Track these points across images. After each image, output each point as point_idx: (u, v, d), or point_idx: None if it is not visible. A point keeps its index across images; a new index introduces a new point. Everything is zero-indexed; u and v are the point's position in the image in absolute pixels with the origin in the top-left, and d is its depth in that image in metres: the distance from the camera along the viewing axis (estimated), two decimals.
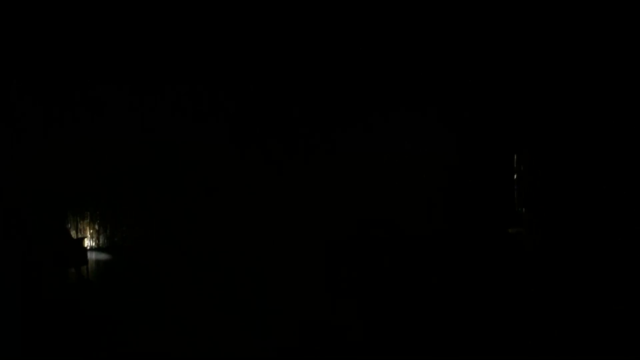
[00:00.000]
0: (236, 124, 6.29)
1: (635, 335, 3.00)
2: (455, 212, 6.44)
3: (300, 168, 6.30)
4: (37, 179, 5.86)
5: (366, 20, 5.91)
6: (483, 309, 3.69)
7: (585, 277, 4.62)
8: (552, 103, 6.18)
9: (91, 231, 6.40)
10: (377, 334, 3.14)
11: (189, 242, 6.18)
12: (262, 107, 6.31)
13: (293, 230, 6.14)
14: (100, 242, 6.42)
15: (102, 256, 6.06)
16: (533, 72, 6.17)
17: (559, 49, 5.96)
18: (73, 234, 6.16)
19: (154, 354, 2.80)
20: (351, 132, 6.33)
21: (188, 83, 6.21)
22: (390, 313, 3.64)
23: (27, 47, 5.61)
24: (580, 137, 6.05)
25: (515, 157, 6.60)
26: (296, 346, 2.89)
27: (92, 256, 5.80)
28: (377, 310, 3.72)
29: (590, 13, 5.60)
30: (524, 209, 6.71)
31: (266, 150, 6.28)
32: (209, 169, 6.28)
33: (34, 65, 5.82)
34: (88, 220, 6.39)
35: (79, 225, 6.35)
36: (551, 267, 5.24)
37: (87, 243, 6.21)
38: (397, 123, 6.41)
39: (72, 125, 6.18)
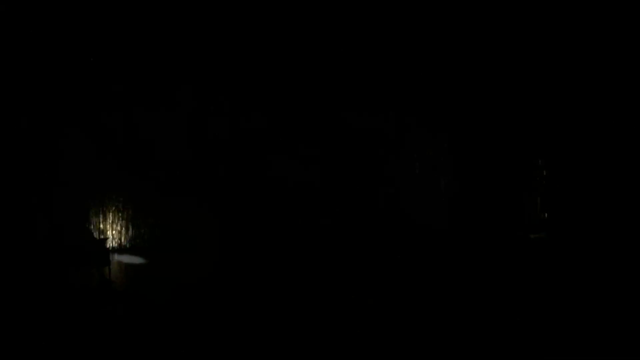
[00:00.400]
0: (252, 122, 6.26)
1: None
2: (478, 217, 6.37)
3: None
4: (58, 180, 5.95)
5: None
6: (501, 313, 3.64)
7: (607, 284, 4.51)
8: (578, 109, 6.06)
9: (113, 232, 6.49)
10: (389, 336, 3.11)
11: (209, 243, 6.21)
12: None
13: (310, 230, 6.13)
14: (122, 243, 6.50)
15: (124, 257, 6.13)
16: (561, 77, 6.06)
17: (586, 52, 5.85)
18: (95, 234, 6.25)
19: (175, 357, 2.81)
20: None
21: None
22: (410, 318, 3.60)
23: (58, 44, 5.68)
24: (604, 143, 5.92)
25: (538, 162, 6.51)
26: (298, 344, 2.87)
27: (113, 257, 5.87)
28: (396, 314, 3.69)
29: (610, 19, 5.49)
30: (546, 215, 6.60)
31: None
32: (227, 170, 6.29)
33: (57, 60, 5.86)
34: (110, 221, 6.48)
35: (101, 226, 6.44)
36: (573, 272, 5.15)
37: (109, 244, 6.30)
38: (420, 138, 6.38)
39: (93, 128, 6.23)
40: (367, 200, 6.27)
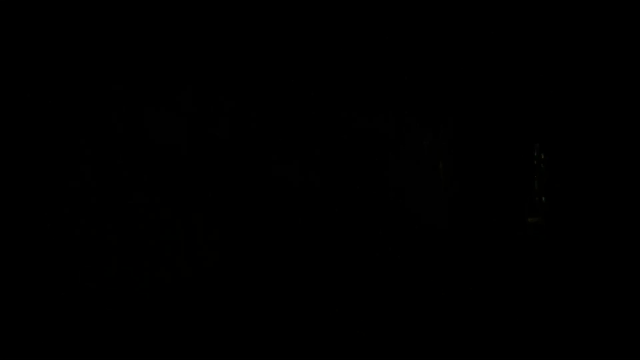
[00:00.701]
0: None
1: None
2: (474, 201, 6.41)
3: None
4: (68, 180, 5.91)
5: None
6: (498, 302, 3.67)
7: (604, 271, 4.55)
8: (575, 91, 6.02)
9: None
10: (384, 331, 3.14)
11: (208, 242, 6.22)
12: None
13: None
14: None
15: None
16: (558, 59, 5.99)
17: (580, 41, 5.76)
18: None
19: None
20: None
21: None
22: (402, 308, 3.63)
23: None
24: (602, 126, 5.91)
25: (536, 145, 6.52)
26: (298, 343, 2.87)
27: None
28: (386, 305, 3.71)
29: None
30: (544, 198, 6.67)
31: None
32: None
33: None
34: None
35: None
36: (569, 259, 5.20)
37: None
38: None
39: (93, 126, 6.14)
40: (366, 200, 6.33)
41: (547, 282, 4.57)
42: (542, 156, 6.66)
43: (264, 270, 5.30)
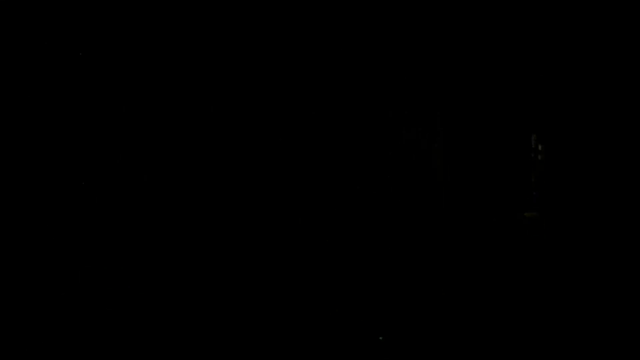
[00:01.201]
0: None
1: None
2: (471, 195, 6.30)
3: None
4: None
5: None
6: (494, 299, 3.55)
7: (601, 268, 4.45)
8: (573, 82, 5.93)
9: None
10: (382, 326, 2.99)
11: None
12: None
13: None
14: None
15: None
16: (556, 49, 5.91)
17: (576, 34, 5.69)
18: None
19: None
20: None
21: None
22: (398, 302, 3.49)
23: None
24: (600, 118, 5.83)
25: (533, 138, 6.41)
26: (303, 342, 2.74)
27: None
28: (383, 296, 3.58)
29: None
30: (540, 192, 6.54)
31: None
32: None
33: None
34: None
35: None
36: (566, 254, 5.10)
37: None
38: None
39: None
40: (364, 199, 6.16)
41: (543, 278, 4.41)
42: (540, 147, 6.52)
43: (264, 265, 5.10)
